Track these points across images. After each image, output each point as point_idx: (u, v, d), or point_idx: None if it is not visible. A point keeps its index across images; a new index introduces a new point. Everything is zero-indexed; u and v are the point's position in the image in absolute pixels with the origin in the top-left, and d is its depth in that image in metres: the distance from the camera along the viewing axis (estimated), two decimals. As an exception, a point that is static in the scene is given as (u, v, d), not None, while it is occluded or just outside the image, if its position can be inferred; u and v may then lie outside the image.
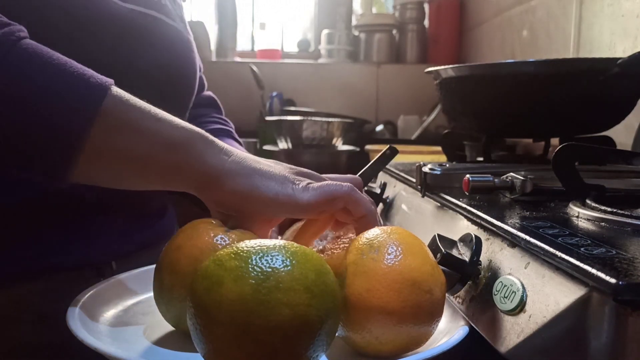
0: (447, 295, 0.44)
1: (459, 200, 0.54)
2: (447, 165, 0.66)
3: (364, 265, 0.41)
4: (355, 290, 0.40)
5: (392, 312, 0.39)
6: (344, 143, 1.67)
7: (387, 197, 0.78)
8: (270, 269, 0.36)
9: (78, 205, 0.61)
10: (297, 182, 0.49)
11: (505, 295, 0.39)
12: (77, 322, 0.44)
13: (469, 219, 0.51)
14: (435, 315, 0.42)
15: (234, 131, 0.89)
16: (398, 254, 0.41)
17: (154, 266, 0.56)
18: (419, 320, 0.40)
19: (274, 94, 1.99)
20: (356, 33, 2.19)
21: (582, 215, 0.46)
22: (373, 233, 0.44)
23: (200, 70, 0.89)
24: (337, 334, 0.42)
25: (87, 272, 0.62)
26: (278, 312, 0.34)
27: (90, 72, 0.46)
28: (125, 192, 0.52)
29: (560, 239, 0.38)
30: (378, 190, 0.79)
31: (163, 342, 0.45)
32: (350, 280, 0.41)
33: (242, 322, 0.34)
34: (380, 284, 0.40)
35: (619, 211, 0.44)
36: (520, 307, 0.37)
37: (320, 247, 0.55)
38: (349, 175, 0.55)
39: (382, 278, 0.40)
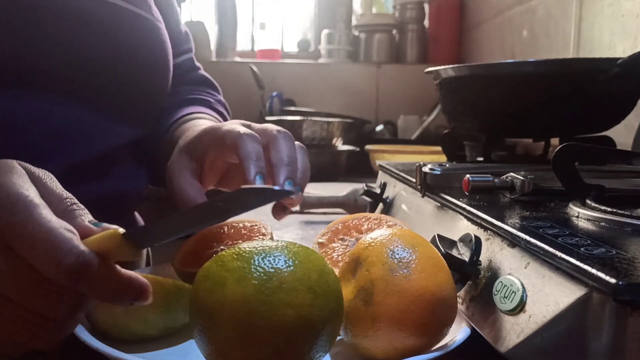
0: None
1: (459, 200, 0.54)
2: (447, 165, 0.66)
3: (396, 285, 0.39)
4: (387, 310, 0.39)
5: (425, 332, 0.39)
6: (344, 143, 1.68)
7: (387, 197, 0.78)
8: (272, 270, 0.36)
9: None
10: None
11: (505, 295, 0.39)
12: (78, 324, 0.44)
13: (469, 219, 0.51)
14: (451, 325, 0.42)
15: (214, 101, 0.79)
16: (429, 270, 0.40)
17: (152, 267, 0.56)
18: (442, 334, 0.41)
19: (274, 94, 1.99)
20: (356, 33, 2.19)
21: (582, 215, 0.46)
22: (389, 239, 0.42)
23: (191, 52, 0.82)
24: (346, 340, 0.42)
25: None
26: (281, 313, 0.34)
27: None
28: None
29: (560, 239, 0.38)
30: (378, 190, 0.79)
31: (164, 341, 0.45)
32: (381, 298, 0.39)
33: (244, 322, 0.34)
34: (416, 305, 0.39)
35: (619, 211, 0.44)
36: (520, 307, 0.37)
37: (322, 245, 0.55)
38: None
39: (418, 299, 0.39)
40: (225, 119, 0.77)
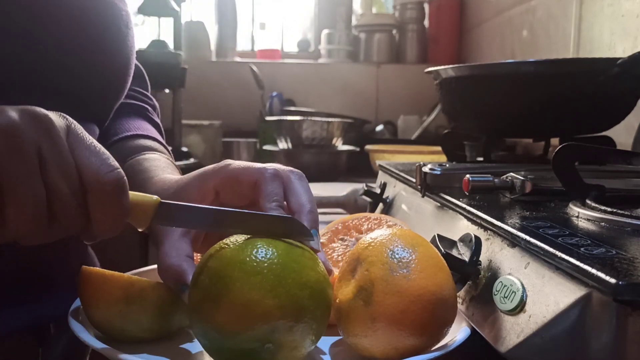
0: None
1: (459, 200, 0.54)
2: (447, 165, 0.66)
3: (395, 285, 0.39)
4: (387, 310, 0.39)
5: (424, 332, 0.39)
6: (344, 143, 1.67)
7: (387, 197, 0.78)
8: (293, 243, 0.41)
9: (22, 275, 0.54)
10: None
11: (505, 295, 0.39)
12: (78, 324, 0.44)
13: (469, 219, 0.51)
14: (452, 323, 0.42)
15: (151, 109, 0.73)
16: (428, 270, 0.40)
17: (150, 267, 0.56)
18: (442, 334, 0.41)
19: (274, 94, 1.99)
20: (356, 33, 2.19)
21: (582, 215, 0.46)
22: (389, 238, 0.42)
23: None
24: (346, 339, 0.42)
25: (27, 339, 0.55)
26: (306, 273, 0.39)
27: None
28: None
29: (560, 239, 0.38)
30: (378, 190, 0.79)
31: (164, 342, 0.45)
32: (380, 298, 0.39)
33: (278, 274, 0.38)
34: (415, 305, 0.39)
35: (619, 211, 0.44)
36: (520, 307, 0.37)
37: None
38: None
39: (417, 299, 0.39)
40: (162, 135, 0.71)
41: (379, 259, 0.41)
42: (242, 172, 0.47)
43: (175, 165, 0.61)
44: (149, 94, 0.75)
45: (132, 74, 0.61)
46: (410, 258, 0.40)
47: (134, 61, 0.61)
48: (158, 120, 0.72)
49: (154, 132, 0.67)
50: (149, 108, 0.72)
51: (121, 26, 0.57)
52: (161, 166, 0.57)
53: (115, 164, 0.38)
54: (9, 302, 0.53)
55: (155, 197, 0.40)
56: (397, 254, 0.41)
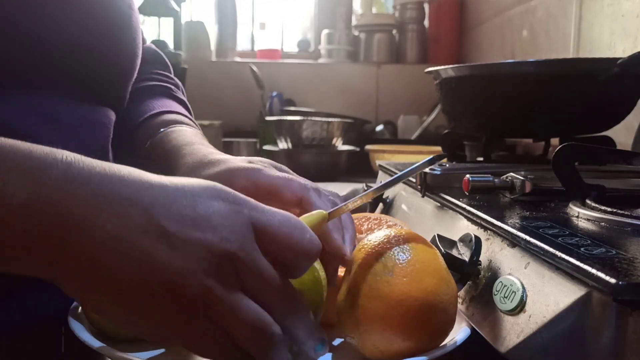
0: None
1: (459, 200, 0.54)
2: (447, 165, 0.66)
3: (378, 289, 0.39)
4: (369, 314, 0.39)
5: (408, 337, 0.39)
6: (344, 143, 1.67)
7: (387, 197, 0.78)
8: None
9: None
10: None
11: (505, 295, 0.39)
12: (76, 322, 0.44)
13: (469, 219, 0.51)
14: (449, 329, 0.41)
15: (174, 87, 0.73)
16: (414, 275, 0.39)
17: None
18: (433, 339, 0.40)
19: (274, 94, 1.99)
20: (356, 33, 2.19)
21: (582, 215, 0.46)
22: (381, 241, 0.41)
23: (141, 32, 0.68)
24: (341, 337, 0.42)
25: (51, 326, 0.52)
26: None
27: None
28: None
29: (560, 239, 0.38)
30: (378, 190, 0.79)
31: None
32: (364, 302, 0.39)
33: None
34: (396, 310, 0.38)
35: (619, 211, 0.44)
36: (520, 307, 0.38)
37: None
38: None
39: (398, 305, 0.38)
40: (190, 112, 0.71)
41: (366, 262, 0.40)
42: (283, 186, 0.45)
43: (202, 134, 0.62)
44: (171, 75, 0.75)
45: (140, 55, 0.60)
46: (397, 263, 0.40)
47: (141, 41, 0.61)
48: (183, 97, 0.72)
49: (179, 108, 0.68)
50: (172, 87, 0.72)
51: (123, 6, 0.56)
52: (188, 137, 0.57)
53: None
54: (37, 288, 0.52)
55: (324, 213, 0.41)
56: (385, 258, 0.40)
